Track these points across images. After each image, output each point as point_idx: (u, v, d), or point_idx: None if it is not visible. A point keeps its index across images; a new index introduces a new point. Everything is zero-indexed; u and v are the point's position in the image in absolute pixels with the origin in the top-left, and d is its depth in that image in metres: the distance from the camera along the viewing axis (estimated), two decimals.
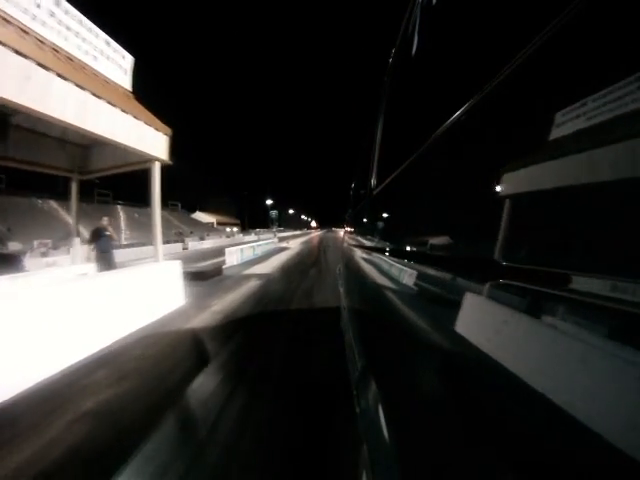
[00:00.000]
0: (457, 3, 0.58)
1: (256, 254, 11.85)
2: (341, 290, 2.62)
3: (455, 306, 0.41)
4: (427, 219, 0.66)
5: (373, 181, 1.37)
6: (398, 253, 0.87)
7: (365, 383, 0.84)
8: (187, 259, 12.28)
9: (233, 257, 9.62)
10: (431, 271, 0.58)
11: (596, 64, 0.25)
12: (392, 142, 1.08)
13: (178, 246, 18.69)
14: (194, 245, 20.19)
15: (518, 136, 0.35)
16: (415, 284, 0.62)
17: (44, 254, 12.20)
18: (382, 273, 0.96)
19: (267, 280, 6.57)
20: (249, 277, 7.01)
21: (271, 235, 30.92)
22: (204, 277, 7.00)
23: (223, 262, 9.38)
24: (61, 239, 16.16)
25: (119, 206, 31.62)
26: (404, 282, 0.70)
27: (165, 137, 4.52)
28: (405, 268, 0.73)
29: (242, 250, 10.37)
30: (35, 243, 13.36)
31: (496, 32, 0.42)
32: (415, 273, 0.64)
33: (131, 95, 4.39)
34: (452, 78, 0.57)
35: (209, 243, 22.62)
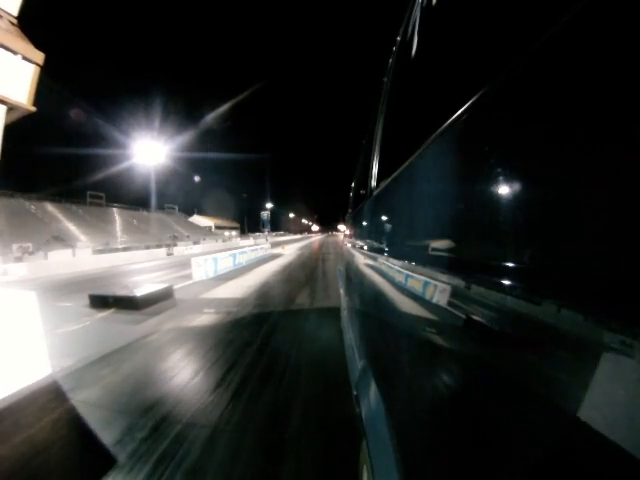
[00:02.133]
0: (457, 3, 0.59)
1: (238, 264, 9.42)
2: (341, 292, 2.75)
3: (462, 312, 0.42)
4: (428, 220, 0.64)
5: (373, 182, 1.37)
6: (398, 255, 0.84)
7: (365, 383, 0.89)
8: (158, 269, 10.30)
9: (201, 270, 7.23)
10: (432, 273, 0.56)
11: (598, 63, 0.24)
12: (392, 142, 1.09)
13: (162, 252, 16.62)
14: (182, 250, 18.10)
15: (519, 135, 0.34)
16: (415, 285, 0.63)
17: (18, 259, 11.49)
18: (382, 275, 0.97)
19: (227, 315, 4.21)
20: (206, 306, 4.76)
21: (265, 239, 28.66)
22: (144, 303, 4.75)
23: (189, 276, 7.12)
24: (44, 243, 16.19)
25: (114, 209, 30.26)
26: (403, 284, 0.71)
27: (29, 65, 2.71)
28: (405, 270, 0.72)
29: (216, 260, 7.86)
30: (14, 247, 12.99)
31: (496, 32, 0.42)
32: (415, 275, 0.64)
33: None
34: (452, 78, 0.57)
35: (200, 248, 20.61)
